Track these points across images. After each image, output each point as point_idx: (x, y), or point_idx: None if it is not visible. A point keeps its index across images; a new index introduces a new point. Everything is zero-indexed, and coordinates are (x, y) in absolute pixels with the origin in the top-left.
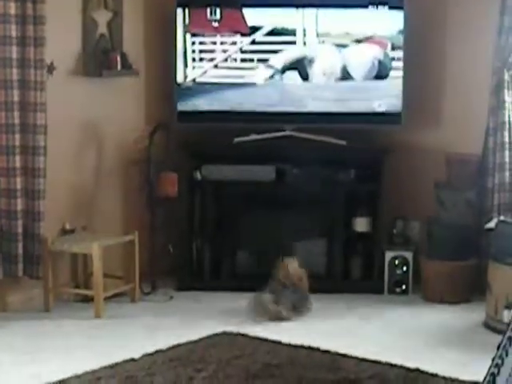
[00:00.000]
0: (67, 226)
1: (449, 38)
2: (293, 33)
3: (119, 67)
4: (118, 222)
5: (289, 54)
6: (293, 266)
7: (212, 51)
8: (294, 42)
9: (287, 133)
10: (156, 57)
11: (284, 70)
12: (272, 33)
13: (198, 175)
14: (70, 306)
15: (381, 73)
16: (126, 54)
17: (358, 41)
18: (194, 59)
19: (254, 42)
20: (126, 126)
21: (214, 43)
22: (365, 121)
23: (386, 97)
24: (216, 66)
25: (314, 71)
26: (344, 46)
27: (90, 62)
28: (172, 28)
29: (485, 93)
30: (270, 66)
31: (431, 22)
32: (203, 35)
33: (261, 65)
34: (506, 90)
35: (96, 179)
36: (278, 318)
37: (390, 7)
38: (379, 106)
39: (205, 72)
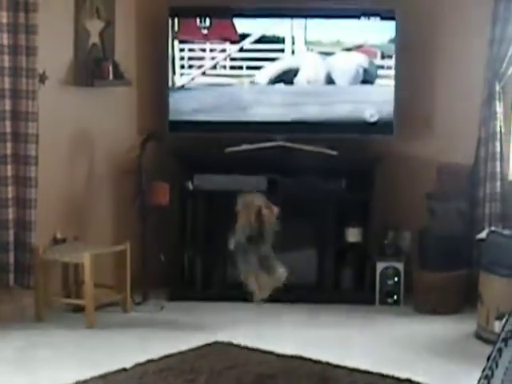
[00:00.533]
0: (58, 236)
1: (440, 49)
2: (281, 41)
3: (111, 77)
4: (110, 232)
5: (273, 68)
6: (265, 206)
7: (201, 58)
8: (282, 50)
9: (279, 143)
10: (148, 67)
11: (269, 85)
12: (260, 40)
13: (190, 185)
14: (62, 315)
15: (366, 80)
16: (117, 63)
17: (348, 49)
18: (182, 66)
19: (242, 50)
20: (118, 135)
21: (204, 50)
22: (356, 131)
23: (378, 107)
24: (204, 73)
25: (299, 80)
26: (330, 53)
27: (82, 72)
28: (164, 38)
29: (476, 103)
30: (255, 83)
31: (423, 32)
32: (193, 42)
33: (246, 82)
34: (497, 101)
35: (88, 188)
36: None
37: (382, 18)
38: (371, 116)
39: (193, 79)
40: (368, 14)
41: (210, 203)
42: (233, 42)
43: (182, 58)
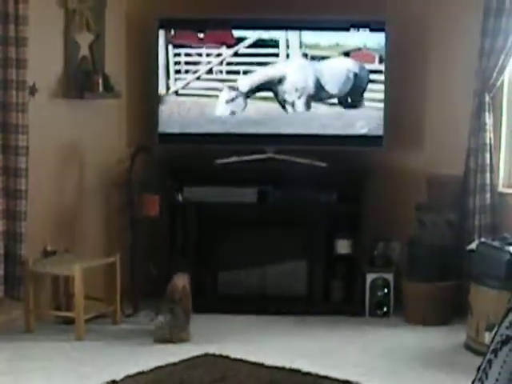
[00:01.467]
0: (49, 248)
1: (430, 60)
2: (276, 44)
3: (101, 89)
4: (100, 244)
5: (256, 76)
6: (180, 283)
7: (196, 63)
8: (277, 55)
9: (269, 155)
10: (138, 79)
11: (249, 93)
12: (255, 44)
13: (180, 197)
14: (52, 327)
15: (357, 86)
16: (107, 75)
17: (346, 53)
18: (177, 71)
19: (236, 54)
20: (108, 147)
21: (200, 55)
22: (346, 143)
23: (368, 118)
24: (199, 78)
25: (286, 88)
26: (325, 57)
27: (72, 84)
28: (154, 50)
29: (466, 115)
30: (234, 88)
31: (413, 43)
32: (190, 46)
33: (225, 87)
34: (486, 113)
35: (78, 201)
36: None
37: (372, 29)
38: (361, 127)
39: (187, 84)
40: (357, 26)
41: (199, 215)
42: (229, 46)
43: (175, 63)
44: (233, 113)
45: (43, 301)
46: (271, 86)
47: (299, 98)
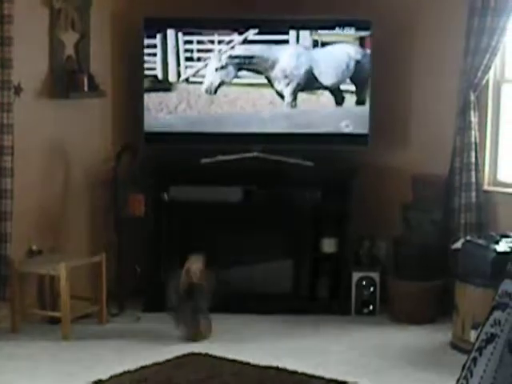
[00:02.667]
0: (34, 248)
1: (416, 59)
2: (286, 31)
3: (86, 88)
4: (86, 243)
5: (252, 48)
6: (196, 265)
7: (208, 50)
8: (287, 41)
9: (254, 154)
10: (123, 78)
11: (240, 65)
12: (265, 32)
13: (165, 196)
14: (38, 327)
15: (357, 75)
16: (93, 75)
17: (361, 38)
18: (188, 58)
19: (245, 41)
20: (94, 147)
21: (212, 42)
22: (332, 142)
23: (353, 117)
24: (206, 66)
25: (277, 74)
26: (336, 43)
27: (58, 84)
28: (140, 49)
29: (451, 114)
30: (228, 55)
31: (398, 42)
32: (200, 33)
33: (216, 53)
34: (472, 111)
35: (63, 200)
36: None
37: (358, 29)
38: (346, 126)
39: (197, 71)
40: (343, 25)
41: (185, 214)
42: (240, 33)
43: (186, 51)
44: (222, 82)
45: (29, 300)
46: (263, 67)
47: (287, 85)
